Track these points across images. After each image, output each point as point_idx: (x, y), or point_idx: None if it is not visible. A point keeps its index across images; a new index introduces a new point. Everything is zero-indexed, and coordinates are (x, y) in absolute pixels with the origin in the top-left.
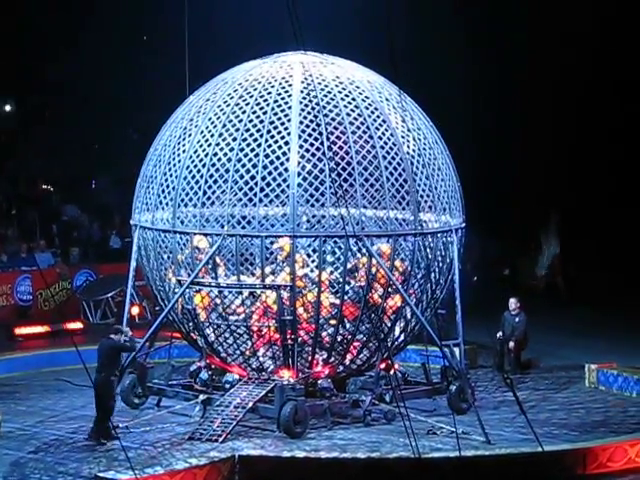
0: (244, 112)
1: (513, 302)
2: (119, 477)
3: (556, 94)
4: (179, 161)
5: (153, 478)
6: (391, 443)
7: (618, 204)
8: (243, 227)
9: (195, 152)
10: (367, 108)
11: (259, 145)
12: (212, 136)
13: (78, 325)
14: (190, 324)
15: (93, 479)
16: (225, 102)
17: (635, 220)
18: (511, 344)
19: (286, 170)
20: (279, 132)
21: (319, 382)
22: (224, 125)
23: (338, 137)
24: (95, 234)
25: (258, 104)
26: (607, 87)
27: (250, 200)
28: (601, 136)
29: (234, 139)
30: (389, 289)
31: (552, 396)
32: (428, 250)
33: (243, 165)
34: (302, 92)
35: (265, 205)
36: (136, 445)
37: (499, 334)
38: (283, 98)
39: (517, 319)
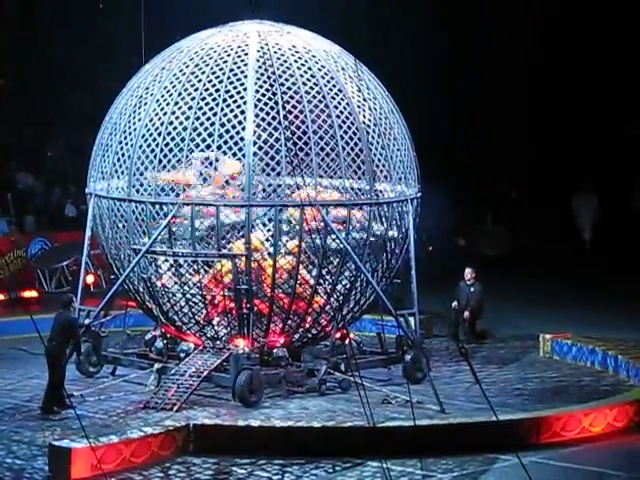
0: (200, 81)
1: (468, 272)
2: (73, 446)
3: (511, 55)
4: (135, 129)
5: (107, 447)
6: (346, 412)
7: (581, 170)
8: (198, 196)
9: (151, 120)
10: (323, 77)
11: (215, 114)
12: (168, 104)
13: (33, 293)
14: (145, 293)
15: (47, 447)
16: (181, 71)
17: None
18: (466, 314)
19: (242, 139)
20: (235, 101)
21: (274, 351)
22: (180, 94)
23: (294, 106)
24: (52, 202)
25: (214, 72)
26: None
27: (206, 168)
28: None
29: (190, 107)
30: (344, 259)
31: (507, 366)
32: (384, 219)
33: (199, 134)
34: (258, 61)
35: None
36: (91, 414)
37: (454, 304)
38: (239, 67)
39: (472, 289)
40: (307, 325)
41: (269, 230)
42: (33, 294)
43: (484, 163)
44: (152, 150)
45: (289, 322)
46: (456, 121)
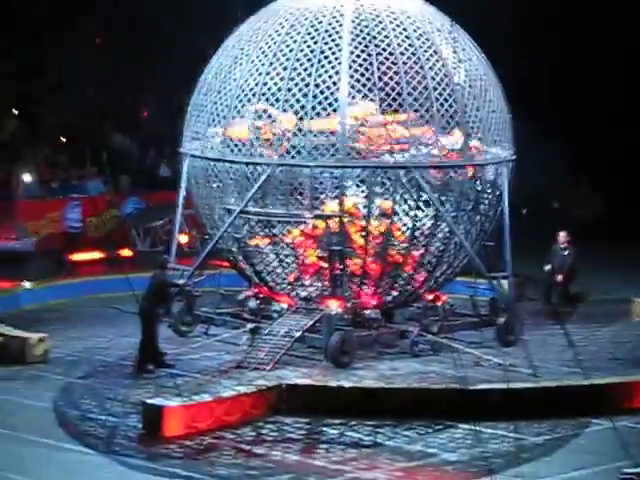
0: (295, 41)
1: (562, 235)
2: (167, 403)
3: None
4: (230, 90)
5: (200, 405)
6: (438, 374)
7: None
8: (292, 157)
9: (246, 81)
10: (418, 39)
11: (309, 75)
12: (263, 65)
13: (127, 252)
14: (238, 253)
15: (141, 405)
16: (276, 31)
17: None
18: (559, 277)
19: (336, 100)
20: (330, 62)
21: (367, 312)
22: (274, 54)
23: (389, 67)
24: (147, 162)
25: (309, 33)
26: None
27: (300, 130)
28: None
29: (284, 68)
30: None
31: (600, 330)
32: (478, 182)
33: (293, 95)
34: (353, 22)
35: (315, 135)
36: (184, 372)
37: (547, 267)
38: (334, 27)
39: (566, 252)
40: (400, 287)
41: (363, 191)
42: (127, 253)
43: (581, 128)
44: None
45: (382, 283)
46: (555, 86)
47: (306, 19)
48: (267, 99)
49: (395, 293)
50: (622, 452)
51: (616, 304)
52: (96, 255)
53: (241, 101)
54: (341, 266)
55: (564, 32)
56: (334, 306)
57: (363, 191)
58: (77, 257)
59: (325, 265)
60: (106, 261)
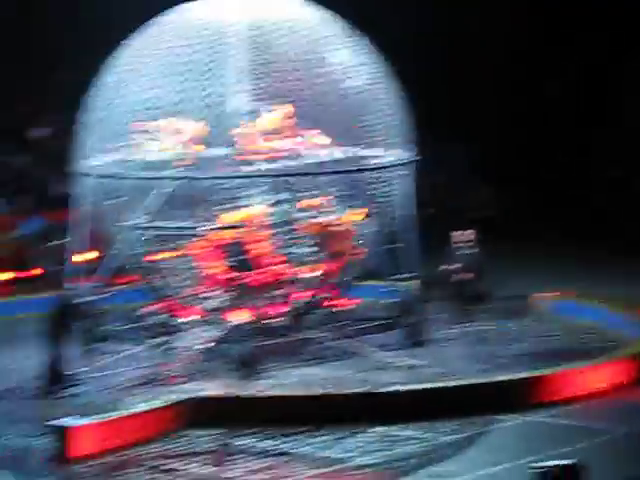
0: (187, 53)
1: (467, 234)
2: (75, 423)
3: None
4: (122, 106)
5: (110, 422)
6: (347, 379)
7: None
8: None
9: (139, 96)
10: (312, 43)
11: (204, 88)
12: (155, 79)
13: (28, 273)
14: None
15: (49, 426)
16: (167, 45)
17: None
18: (466, 276)
19: (232, 109)
20: (221, 72)
21: (273, 321)
22: (167, 67)
23: (283, 75)
24: (45, 181)
25: (200, 43)
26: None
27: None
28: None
29: (178, 80)
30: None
31: (507, 326)
32: (382, 184)
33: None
34: (250, 30)
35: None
36: (92, 390)
37: (453, 267)
38: (228, 36)
39: (471, 251)
40: (306, 294)
41: (264, 200)
42: (28, 274)
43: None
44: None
45: (287, 291)
46: (452, 86)
47: (196, 31)
48: (163, 113)
49: (302, 300)
50: (531, 446)
51: (519, 300)
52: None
53: (135, 116)
54: (245, 276)
55: (465, 31)
56: (241, 316)
57: (265, 199)
58: None
59: (231, 276)
60: (7, 283)
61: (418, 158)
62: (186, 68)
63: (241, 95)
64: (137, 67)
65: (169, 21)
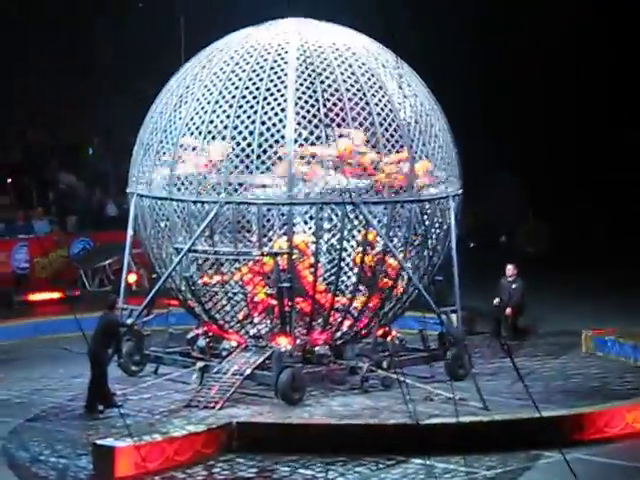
0: (240, 79)
1: (510, 268)
2: (117, 444)
3: (553, 61)
4: (175, 128)
5: (151, 445)
6: (389, 410)
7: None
8: (240, 194)
9: (191, 119)
10: (364, 75)
11: (255, 112)
12: (208, 103)
13: (75, 293)
14: (187, 291)
15: (91, 446)
16: (221, 69)
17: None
18: (508, 310)
19: (282, 137)
20: (275, 99)
21: (316, 349)
22: (220, 92)
23: (335, 104)
24: (94, 201)
25: (254, 70)
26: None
27: (247, 167)
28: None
29: (230, 106)
30: (386, 256)
31: (549, 362)
32: (425, 217)
33: (240, 132)
34: (298, 59)
35: (262, 172)
36: (134, 412)
37: (496, 300)
38: (279, 64)
39: (514, 285)
40: (349, 323)
41: (310, 228)
42: (75, 293)
43: (527, 160)
44: (193, 149)
45: (331, 319)
46: (499, 119)
47: (251, 56)
48: (213, 137)
49: (344, 329)
50: None
51: (565, 336)
52: (42, 296)
53: (188, 139)
54: (290, 303)
55: (517, 64)
56: (283, 343)
57: (311, 227)
58: (23, 298)
59: (274, 302)
60: (55, 302)
61: (461, 191)
62: (243, 92)
63: (298, 120)
64: (193, 90)
65: (226, 45)
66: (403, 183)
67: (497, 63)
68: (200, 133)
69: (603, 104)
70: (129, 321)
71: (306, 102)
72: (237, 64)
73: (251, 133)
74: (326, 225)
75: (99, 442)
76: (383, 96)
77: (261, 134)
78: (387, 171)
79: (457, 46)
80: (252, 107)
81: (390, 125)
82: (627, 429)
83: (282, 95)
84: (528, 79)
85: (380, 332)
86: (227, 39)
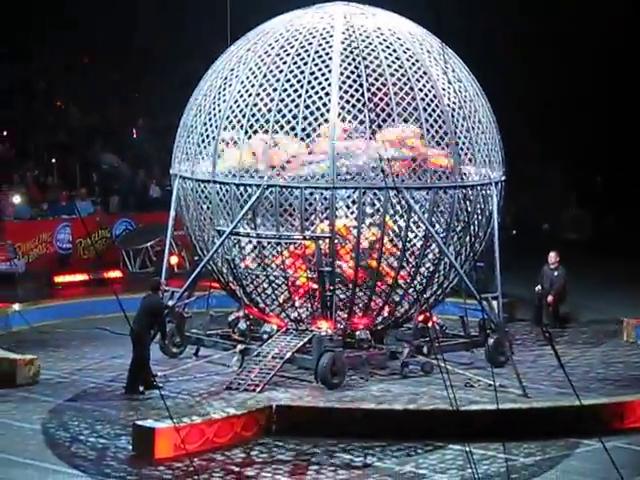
0: (285, 62)
1: (552, 256)
2: (157, 425)
3: (603, 46)
4: (219, 111)
5: (191, 427)
6: (428, 395)
7: None
8: (283, 178)
9: (235, 102)
10: (408, 60)
11: (299, 96)
12: (252, 86)
13: (117, 274)
14: (228, 274)
15: (131, 427)
16: (266, 52)
17: None
18: (549, 298)
19: (326, 121)
20: (319, 83)
21: (357, 333)
22: (264, 75)
23: (379, 88)
24: (137, 183)
25: (299, 54)
26: None
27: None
28: None
29: (274, 89)
30: (428, 242)
31: (590, 350)
32: (468, 203)
33: (283, 116)
34: (343, 43)
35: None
36: (174, 394)
37: (538, 288)
38: (324, 49)
39: (556, 273)
40: (390, 308)
41: (352, 212)
42: (117, 274)
43: (570, 147)
44: (237, 131)
45: (372, 304)
46: (542, 105)
47: (296, 40)
48: (257, 120)
49: (385, 314)
50: (611, 473)
51: (606, 324)
52: (84, 276)
53: (231, 122)
54: (331, 287)
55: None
56: (324, 327)
57: (353, 212)
58: (65, 278)
59: (315, 286)
60: (94, 282)
61: (504, 178)
62: (284, 77)
63: (337, 107)
64: (237, 73)
65: (272, 28)
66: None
67: (543, 47)
68: (244, 116)
69: None
70: (170, 303)
71: (350, 87)
72: (282, 47)
73: (295, 117)
74: (368, 210)
75: (139, 423)
76: (427, 81)
77: (305, 118)
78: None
79: (502, 30)
80: (296, 91)
81: (434, 110)
82: None
83: (326, 79)
84: (575, 64)
85: (421, 317)
86: (273, 22)
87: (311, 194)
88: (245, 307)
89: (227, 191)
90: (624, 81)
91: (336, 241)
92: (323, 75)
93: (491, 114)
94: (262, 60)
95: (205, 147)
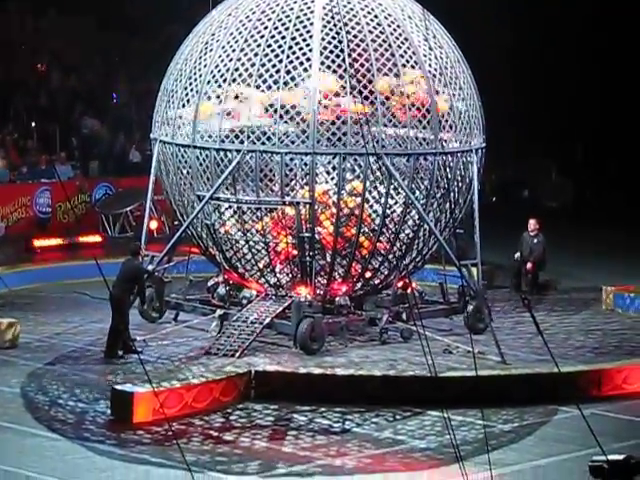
0: (266, 27)
1: (532, 223)
2: (136, 390)
3: (587, 15)
4: (200, 75)
5: (170, 391)
6: (407, 361)
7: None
8: (263, 143)
9: (216, 67)
10: (390, 25)
11: (280, 61)
12: (233, 51)
13: (96, 238)
14: (208, 239)
15: (110, 391)
16: (247, 17)
17: None
18: (529, 265)
19: (307, 88)
20: (300, 48)
21: (336, 299)
22: (245, 40)
23: (360, 54)
24: (117, 147)
25: (280, 19)
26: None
27: (270, 116)
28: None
29: (255, 54)
30: (408, 208)
31: (569, 318)
32: (448, 170)
33: (264, 80)
34: (324, 8)
35: (285, 122)
36: (153, 359)
37: (517, 255)
38: (305, 14)
39: (535, 240)
40: (369, 274)
41: (333, 178)
42: (96, 239)
43: (551, 116)
44: (217, 96)
45: (351, 270)
46: (524, 74)
47: (277, 5)
48: (238, 84)
49: (364, 280)
50: (588, 440)
51: (585, 292)
52: (63, 241)
53: (212, 86)
54: (311, 253)
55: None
56: (303, 293)
57: (333, 178)
58: (44, 243)
59: (295, 252)
60: (73, 247)
61: (485, 145)
62: (269, 42)
63: (318, 72)
64: (218, 38)
65: None
66: (425, 102)
67: (528, 11)
68: (225, 81)
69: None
70: (150, 267)
71: (331, 52)
72: (263, 12)
73: (276, 82)
74: (349, 176)
75: (118, 387)
76: (408, 48)
77: (285, 83)
78: (405, 92)
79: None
80: (277, 56)
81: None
82: None
83: (307, 44)
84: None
85: (400, 284)
86: None
87: (291, 160)
88: (224, 272)
89: (207, 156)
90: (609, 49)
91: (316, 207)
92: (304, 40)
93: (472, 80)
94: (243, 25)
95: (185, 111)
